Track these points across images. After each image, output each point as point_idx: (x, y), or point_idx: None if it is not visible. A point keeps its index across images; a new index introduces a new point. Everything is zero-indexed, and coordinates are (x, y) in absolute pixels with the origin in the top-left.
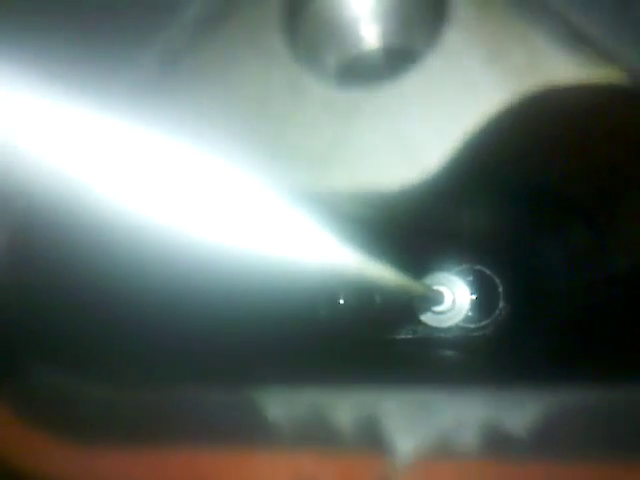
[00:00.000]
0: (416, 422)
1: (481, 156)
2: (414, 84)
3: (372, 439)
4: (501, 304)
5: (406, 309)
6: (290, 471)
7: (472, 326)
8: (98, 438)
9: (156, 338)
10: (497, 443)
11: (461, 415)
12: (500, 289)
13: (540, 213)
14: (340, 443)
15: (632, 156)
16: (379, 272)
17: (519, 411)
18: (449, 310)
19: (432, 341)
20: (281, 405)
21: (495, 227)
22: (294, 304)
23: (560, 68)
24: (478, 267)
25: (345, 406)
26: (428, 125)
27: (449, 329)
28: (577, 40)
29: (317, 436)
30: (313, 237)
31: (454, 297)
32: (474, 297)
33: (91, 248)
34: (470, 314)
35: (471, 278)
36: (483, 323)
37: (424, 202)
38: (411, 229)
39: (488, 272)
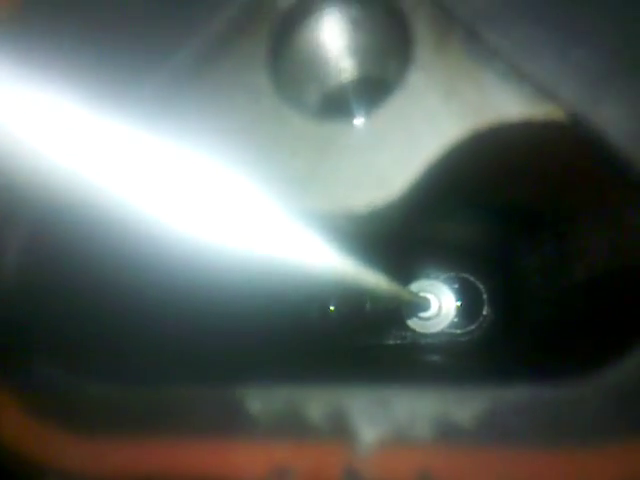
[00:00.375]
0: (377, 416)
1: (443, 180)
2: (381, 119)
3: (340, 431)
4: (485, 310)
5: (394, 316)
6: (266, 460)
7: (458, 332)
8: (97, 430)
9: (150, 338)
10: (447, 433)
11: (416, 409)
12: (484, 296)
13: (513, 225)
14: (312, 435)
15: (580, 181)
16: (368, 279)
17: (468, 405)
18: (435, 316)
19: (420, 347)
20: (260, 400)
21: (476, 239)
22: (284, 308)
23: (508, 105)
24: (463, 275)
25: (317, 402)
26: (393, 154)
27: (436, 335)
28: (522, 81)
29: (291, 428)
30: (305, 246)
31: (440, 304)
32: (459, 304)
33: (93, 250)
34: (456, 320)
35: (456, 286)
36: (469, 329)
37: (392, 219)
38: (393, 241)
39: (472, 279)
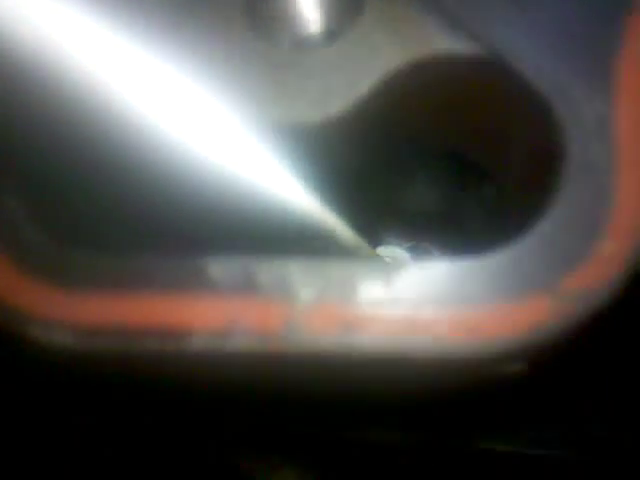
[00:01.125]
0: (314, 280)
1: (383, 106)
2: (336, 50)
3: (283, 291)
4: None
5: None
6: (220, 313)
7: None
8: (77, 287)
9: (126, 212)
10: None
11: (349, 274)
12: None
13: (459, 179)
14: (260, 294)
15: (510, 120)
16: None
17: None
18: None
19: None
20: (218, 266)
21: (427, 200)
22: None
23: (442, 43)
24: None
25: (266, 268)
26: (344, 79)
27: None
28: (458, 26)
29: (243, 289)
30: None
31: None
32: None
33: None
34: None
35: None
36: None
37: (339, 137)
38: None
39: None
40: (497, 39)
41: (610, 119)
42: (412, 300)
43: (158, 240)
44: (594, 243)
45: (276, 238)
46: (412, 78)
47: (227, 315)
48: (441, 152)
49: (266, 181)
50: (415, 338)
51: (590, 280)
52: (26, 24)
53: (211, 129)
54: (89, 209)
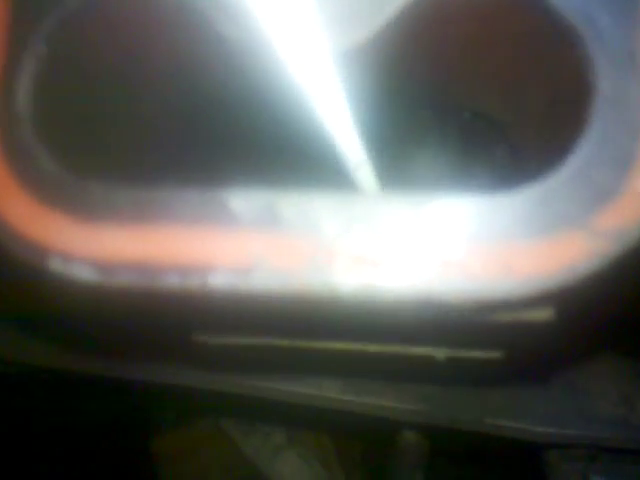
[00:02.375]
0: (340, 215)
1: (405, 35)
2: None
3: (307, 226)
4: None
5: None
6: (244, 249)
7: None
8: (96, 219)
9: (146, 144)
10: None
11: (376, 211)
12: None
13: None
14: (284, 229)
15: (536, 57)
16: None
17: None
18: None
19: None
20: (241, 200)
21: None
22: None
23: None
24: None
25: (291, 202)
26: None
27: None
28: None
29: (267, 224)
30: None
31: None
32: None
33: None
34: None
35: None
36: None
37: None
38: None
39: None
40: None
41: None
42: (443, 238)
43: (180, 174)
44: (627, 179)
45: (301, 173)
46: (437, 7)
47: (250, 252)
48: (456, 106)
49: (289, 111)
50: (446, 277)
51: (624, 217)
52: None
53: (234, 56)
54: (110, 141)
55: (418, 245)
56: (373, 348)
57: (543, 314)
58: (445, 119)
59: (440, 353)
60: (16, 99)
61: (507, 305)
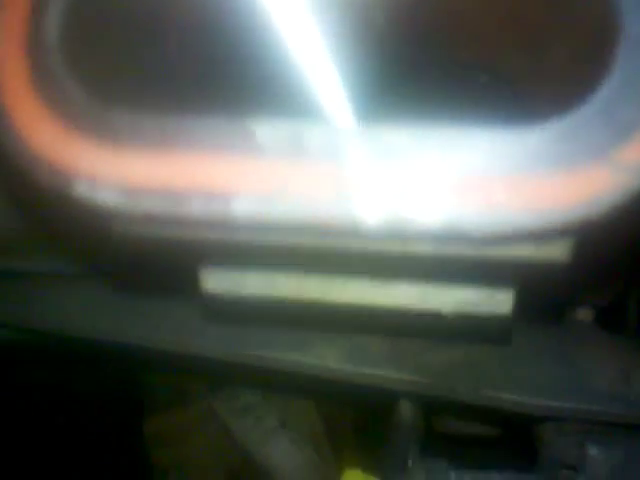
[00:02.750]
0: (368, 144)
1: None
2: None
3: (334, 157)
4: None
5: None
6: (269, 178)
7: None
8: (123, 145)
9: (171, 70)
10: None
11: (402, 141)
12: None
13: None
14: (310, 158)
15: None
16: None
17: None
18: None
19: None
20: (267, 128)
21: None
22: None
23: None
24: None
25: (316, 132)
26: None
27: None
28: None
29: (292, 152)
30: None
31: None
32: None
33: None
34: None
35: None
36: None
37: None
38: None
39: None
40: None
41: None
42: (466, 170)
43: (207, 102)
44: None
45: (325, 103)
46: None
47: (274, 180)
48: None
49: (315, 44)
50: (469, 209)
51: None
52: None
53: None
54: (137, 68)
55: (442, 177)
56: (382, 300)
57: (562, 249)
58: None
59: (448, 307)
60: (45, 28)
61: (529, 237)
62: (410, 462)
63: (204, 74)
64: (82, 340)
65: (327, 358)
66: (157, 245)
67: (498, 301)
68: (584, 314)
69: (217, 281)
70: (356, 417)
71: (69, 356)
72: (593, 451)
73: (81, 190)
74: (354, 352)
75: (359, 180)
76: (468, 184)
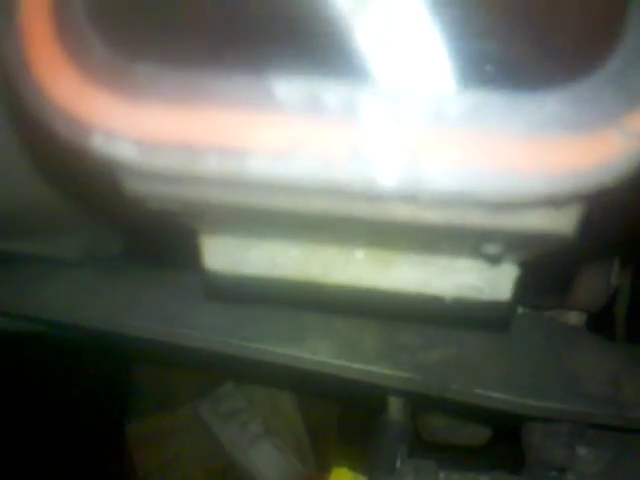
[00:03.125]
0: (385, 104)
1: None
2: None
3: (349, 115)
4: None
5: None
6: (286, 134)
7: None
8: (142, 100)
9: (192, 24)
10: (439, 122)
11: (422, 101)
12: None
13: None
14: (326, 116)
15: None
16: None
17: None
18: None
19: None
20: (284, 86)
21: None
22: None
23: None
24: None
25: (334, 91)
26: None
27: None
28: None
29: (309, 110)
30: None
31: None
32: None
33: None
34: None
35: None
36: None
37: None
38: None
39: None
40: None
41: None
42: (481, 133)
43: (226, 57)
44: None
45: (345, 61)
46: None
47: (291, 137)
48: None
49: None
50: (484, 171)
51: None
52: None
53: None
54: (156, 20)
55: (458, 140)
56: (383, 283)
57: (571, 218)
58: None
59: (448, 291)
60: None
61: (541, 202)
62: (399, 462)
63: (224, 29)
64: (74, 328)
65: (320, 352)
66: (167, 205)
67: (498, 286)
68: (576, 318)
69: (219, 258)
70: (341, 418)
71: (54, 355)
72: (582, 451)
73: (98, 142)
74: (347, 347)
75: (376, 140)
76: (483, 147)
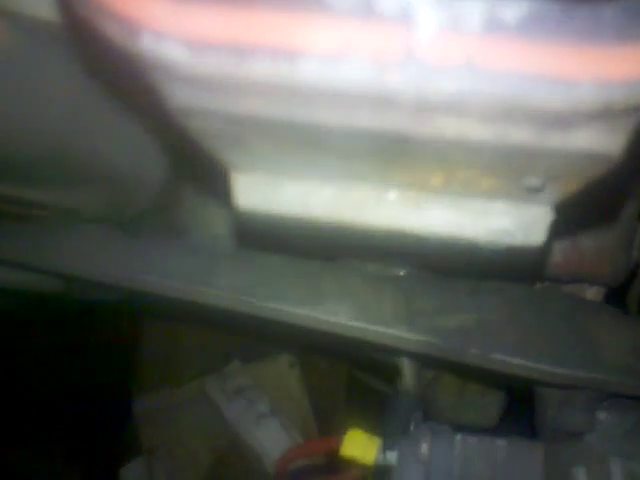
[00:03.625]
0: (437, 8)
1: None
2: None
3: (403, 18)
4: None
5: None
6: (337, 35)
7: None
8: (198, 0)
9: None
10: (494, 27)
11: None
12: None
13: None
14: (379, 19)
15: None
16: None
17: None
18: None
19: None
20: None
21: None
22: None
23: None
24: None
25: None
26: None
27: None
28: None
29: (362, 12)
30: None
31: None
32: None
33: None
34: None
35: None
36: None
37: None
38: None
39: None
40: None
41: None
42: (537, 40)
43: None
44: None
45: None
46: None
47: (343, 39)
48: None
49: None
50: (538, 78)
51: None
52: None
53: None
54: None
55: (513, 47)
56: (416, 225)
57: (621, 137)
58: None
59: (481, 234)
60: None
61: (597, 110)
62: (412, 426)
63: None
64: (91, 283)
65: (339, 314)
66: (209, 121)
67: (532, 231)
68: (594, 293)
69: (250, 197)
70: (349, 397)
71: (59, 330)
72: (603, 416)
73: (147, 42)
74: (365, 311)
75: (431, 45)
76: (538, 55)
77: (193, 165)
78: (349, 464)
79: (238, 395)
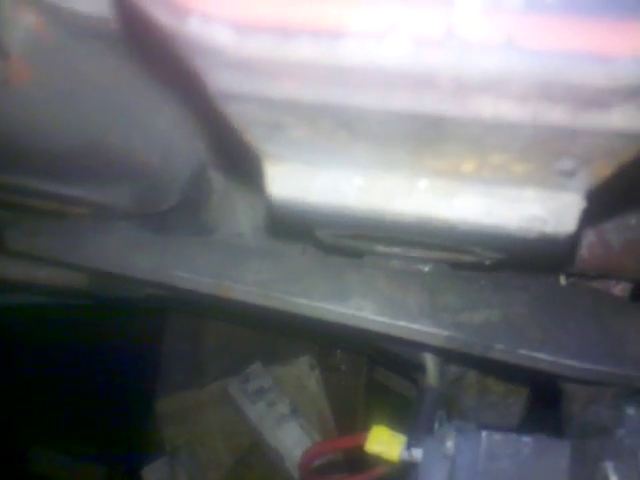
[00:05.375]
0: None
1: None
2: None
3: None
4: None
5: None
6: (381, 13)
7: None
8: None
9: None
10: (535, 6)
11: None
12: None
13: None
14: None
15: None
16: None
17: None
18: None
19: None
20: None
21: None
22: None
23: None
24: None
25: None
26: None
27: None
28: None
29: None
30: None
31: None
32: None
33: None
34: None
35: None
36: None
37: None
38: None
39: None
40: None
41: None
42: (577, 17)
43: None
44: None
45: None
46: None
47: (386, 17)
48: None
49: None
50: (578, 56)
51: None
52: None
53: None
54: None
55: (553, 25)
56: (446, 213)
57: None
58: None
59: (513, 222)
60: None
61: (635, 87)
62: (437, 425)
63: None
64: (122, 278)
65: (364, 309)
66: (250, 106)
67: (564, 218)
68: (621, 289)
69: (282, 185)
70: (368, 398)
71: (86, 331)
72: (631, 411)
73: (193, 25)
74: (390, 306)
75: (472, 23)
76: (578, 33)
77: (226, 157)
78: (373, 460)
79: (259, 396)
